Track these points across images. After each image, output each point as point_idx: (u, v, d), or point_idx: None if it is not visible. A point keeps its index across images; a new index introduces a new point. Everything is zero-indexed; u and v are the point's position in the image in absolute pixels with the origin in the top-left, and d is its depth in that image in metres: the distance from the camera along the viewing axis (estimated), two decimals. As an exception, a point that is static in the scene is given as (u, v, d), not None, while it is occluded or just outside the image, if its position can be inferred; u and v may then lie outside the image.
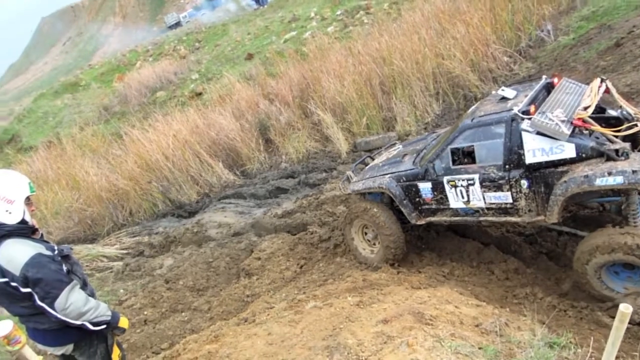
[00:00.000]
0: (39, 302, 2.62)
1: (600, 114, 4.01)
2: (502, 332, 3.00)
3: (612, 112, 4.07)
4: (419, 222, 4.73)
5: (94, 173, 11.25)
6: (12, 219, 2.67)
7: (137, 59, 29.24)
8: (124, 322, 3.02)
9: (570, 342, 2.86)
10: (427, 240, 5.52)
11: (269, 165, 10.26)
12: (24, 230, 2.73)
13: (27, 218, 2.77)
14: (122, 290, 7.08)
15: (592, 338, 2.95)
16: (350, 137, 9.65)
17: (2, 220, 2.65)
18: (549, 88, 4.43)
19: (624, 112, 3.92)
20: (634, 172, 3.28)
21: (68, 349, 2.89)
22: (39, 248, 2.70)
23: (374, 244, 5.19)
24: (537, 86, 4.39)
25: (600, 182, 3.40)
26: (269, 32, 21.06)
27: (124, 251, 8.93)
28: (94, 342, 2.93)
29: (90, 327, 2.79)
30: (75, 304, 2.69)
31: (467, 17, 9.79)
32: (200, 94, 16.91)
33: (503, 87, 4.58)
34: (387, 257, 4.93)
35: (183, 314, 5.66)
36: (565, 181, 3.60)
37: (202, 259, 7.06)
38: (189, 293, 6.31)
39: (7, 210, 2.67)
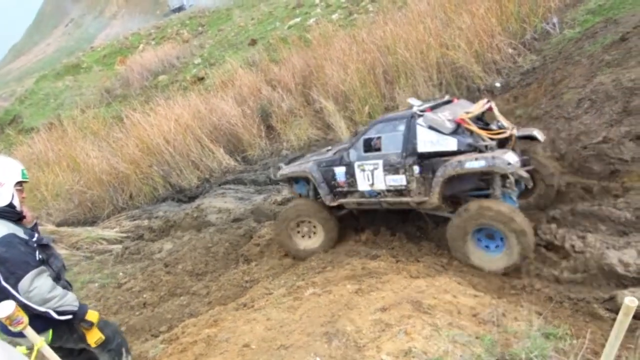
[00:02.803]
0: (3, 283, 2.58)
1: (485, 126, 4.99)
2: (499, 322, 3.02)
3: (492, 127, 5.05)
4: (332, 204, 5.46)
5: (95, 156, 11.26)
6: (0, 201, 2.69)
7: (140, 42, 29.01)
8: (92, 315, 2.91)
9: (567, 333, 2.88)
10: (426, 230, 5.54)
11: (270, 151, 10.25)
12: (8, 214, 2.72)
13: (16, 203, 2.76)
14: (121, 273, 7.12)
15: (588, 330, 2.97)
16: (352, 126, 9.62)
17: None
18: (448, 103, 5.37)
19: (499, 124, 4.99)
20: (493, 158, 4.24)
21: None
22: (16, 230, 2.70)
23: (310, 237, 5.78)
24: (439, 101, 5.41)
25: (469, 165, 4.32)
26: (273, 18, 20.85)
27: (124, 234, 8.97)
28: (73, 327, 2.88)
29: (55, 315, 2.71)
30: (39, 289, 2.64)
31: (473, 8, 9.69)
32: (202, 78, 16.80)
33: (412, 98, 5.61)
34: (329, 241, 5.64)
35: (182, 298, 5.69)
36: (444, 165, 4.51)
37: (202, 244, 7.08)
38: (188, 277, 6.34)
39: None
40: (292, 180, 6.13)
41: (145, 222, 9.13)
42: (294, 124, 10.25)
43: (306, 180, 5.82)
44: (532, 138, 5.03)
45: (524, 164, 4.84)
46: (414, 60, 9.34)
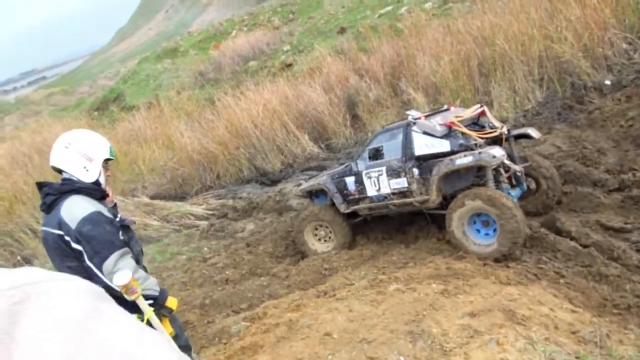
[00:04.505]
0: (87, 262, 2.53)
1: (481, 129, 5.33)
2: (603, 344, 2.76)
3: (486, 127, 5.41)
4: (346, 211, 5.95)
5: (188, 135, 11.87)
6: (88, 177, 2.66)
7: (233, 28, 30.04)
8: (172, 302, 2.80)
9: (685, 366, 2.57)
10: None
11: (354, 141, 10.18)
12: (94, 191, 2.68)
13: (102, 180, 2.75)
14: (206, 249, 7.47)
15: None
16: (441, 119, 9.29)
17: (78, 176, 2.64)
18: (445, 111, 5.77)
19: (491, 124, 5.38)
20: (479, 153, 4.68)
21: None
22: (101, 208, 2.67)
23: (326, 240, 6.24)
24: (437, 110, 5.96)
25: (459, 162, 4.79)
26: (363, 6, 20.59)
27: (210, 212, 9.40)
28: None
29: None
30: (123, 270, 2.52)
31: (584, -3, 8.90)
32: (290, 65, 17.05)
33: (410, 110, 6.23)
34: (341, 248, 6.02)
35: (262, 278, 5.85)
36: (438, 165, 4.96)
37: (282, 228, 7.23)
38: (268, 259, 6.51)
39: (84, 167, 2.64)
40: (312, 195, 6.64)
41: (230, 202, 9.50)
42: (380, 114, 10.09)
43: (324, 193, 6.30)
44: (527, 136, 5.48)
45: (523, 162, 5.42)
46: (513, 52, 8.78)
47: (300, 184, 7.17)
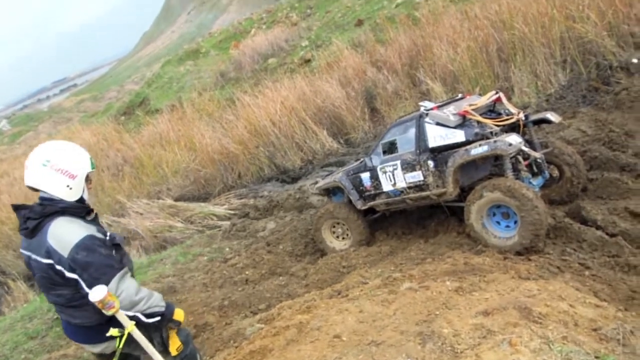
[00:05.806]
0: (86, 290, 2.34)
1: (498, 116, 5.12)
2: (626, 342, 2.61)
3: (502, 114, 5.23)
4: (363, 207, 5.87)
5: (209, 136, 11.98)
6: (71, 196, 2.48)
7: (252, 26, 30.12)
8: (179, 314, 2.69)
9: None
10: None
11: (374, 134, 10.06)
12: (79, 210, 2.52)
13: (85, 196, 2.57)
14: (227, 249, 7.51)
15: None
16: (460, 108, 9.07)
17: (61, 195, 2.45)
18: (459, 100, 5.59)
19: (507, 111, 5.20)
20: (495, 142, 4.51)
21: (106, 348, 2.57)
22: (91, 230, 2.48)
23: (344, 238, 6.20)
24: (450, 99, 5.71)
25: (474, 152, 4.61)
26: (380, -3, 20.36)
27: (232, 212, 9.46)
28: (148, 331, 2.62)
29: (143, 319, 2.49)
30: (127, 292, 2.42)
31: (608, -27, 8.49)
32: (308, 60, 16.98)
33: (424, 101, 5.95)
34: (359, 242, 5.96)
35: (281, 277, 5.83)
36: (453, 156, 4.80)
37: (302, 226, 7.21)
38: (288, 258, 6.49)
39: (67, 185, 2.45)
40: (330, 192, 6.58)
41: (251, 201, 9.53)
42: (398, 106, 9.93)
43: (342, 190, 6.19)
44: (546, 121, 5.23)
45: (543, 149, 5.10)
46: (533, 35, 8.48)
47: (316, 182, 7.13)
